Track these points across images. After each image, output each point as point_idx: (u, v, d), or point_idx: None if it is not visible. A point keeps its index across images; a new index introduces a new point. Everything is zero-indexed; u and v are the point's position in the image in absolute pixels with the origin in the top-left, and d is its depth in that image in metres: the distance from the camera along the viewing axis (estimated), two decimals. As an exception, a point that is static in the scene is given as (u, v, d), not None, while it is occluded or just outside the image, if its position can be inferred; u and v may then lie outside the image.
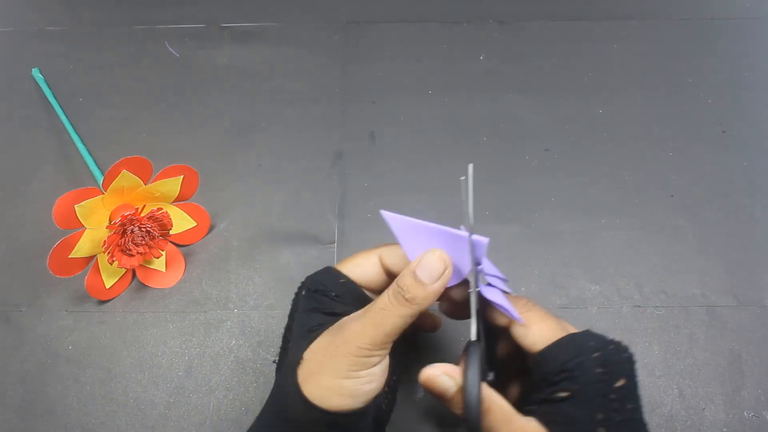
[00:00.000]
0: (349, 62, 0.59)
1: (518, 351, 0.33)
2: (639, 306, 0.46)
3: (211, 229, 0.50)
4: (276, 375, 0.34)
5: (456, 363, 0.31)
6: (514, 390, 0.35)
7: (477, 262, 0.31)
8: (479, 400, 0.28)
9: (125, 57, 0.60)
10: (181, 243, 0.49)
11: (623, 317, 0.46)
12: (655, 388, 0.43)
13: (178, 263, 0.48)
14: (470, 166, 0.29)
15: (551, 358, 0.29)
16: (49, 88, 0.57)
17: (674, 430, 0.42)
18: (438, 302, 0.34)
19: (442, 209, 0.50)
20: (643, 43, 0.60)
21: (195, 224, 0.49)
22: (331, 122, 0.56)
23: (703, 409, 0.42)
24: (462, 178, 0.30)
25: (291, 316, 0.35)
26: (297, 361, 0.30)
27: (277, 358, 0.34)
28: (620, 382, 0.28)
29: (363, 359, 0.29)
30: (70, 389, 0.44)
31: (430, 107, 0.57)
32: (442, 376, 0.30)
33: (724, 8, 0.63)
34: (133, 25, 0.62)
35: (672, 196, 0.51)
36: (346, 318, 0.31)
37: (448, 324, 0.40)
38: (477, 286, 0.31)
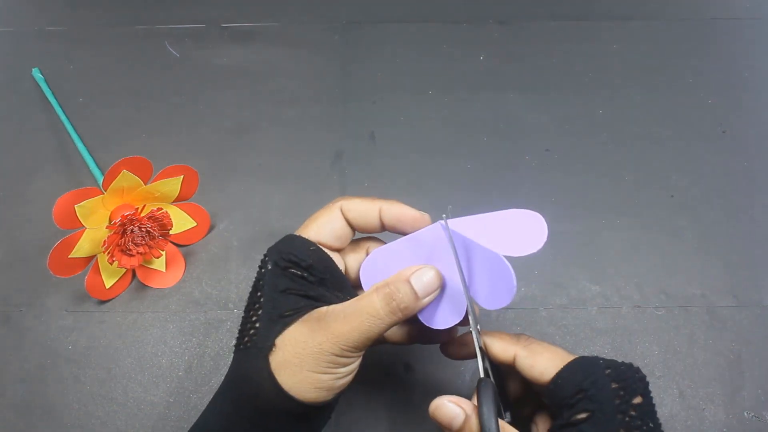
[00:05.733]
0: (349, 62, 0.59)
1: (531, 389, 0.32)
2: (639, 306, 0.46)
3: (211, 229, 0.50)
4: (235, 354, 0.32)
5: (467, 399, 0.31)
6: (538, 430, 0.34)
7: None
8: None
9: (125, 57, 0.60)
10: (181, 243, 0.49)
11: (623, 317, 0.46)
12: (655, 388, 0.43)
13: (178, 263, 0.48)
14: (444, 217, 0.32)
15: (564, 382, 0.29)
16: (49, 88, 0.57)
17: (674, 430, 0.42)
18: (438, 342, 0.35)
19: (441, 209, 0.50)
20: (643, 43, 0.60)
21: (195, 224, 0.49)
22: (331, 122, 0.56)
23: (703, 409, 0.42)
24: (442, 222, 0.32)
25: (255, 291, 0.33)
26: (269, 346, 0.30)
27: (237, 337, 0.33)
28: (638, 400, 0.28)
29: (344, 359, 0.30)
30: (70, 389, 0.44)
31: (430, 107, 0.57)
32: (449, 404, 0.29)
33: (724, 8, 0.63)
34: (133, 25, 0.62)
35: (672, 196, 0.51)
36: (327, 310, 0.30)
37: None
38: (477, 325, 0.31)
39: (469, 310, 0.31)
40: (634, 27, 0.61)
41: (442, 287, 0.32)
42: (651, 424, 0.28)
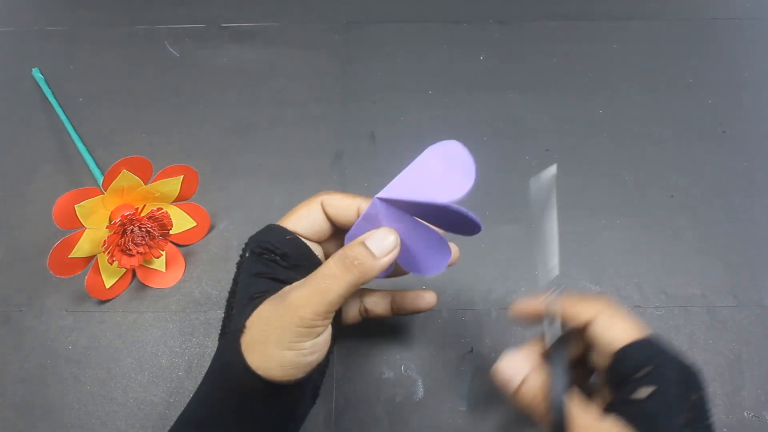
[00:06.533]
0: (350, 62, 0.59)
1: (583, 353, 0.33)
2: (639, 306, 0.46)
3: (211, 229, 0.50)
4: (219, 342, 0.33)
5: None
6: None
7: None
8: (565, 411, 0.28)
9: (125, 57, 0.60)
10: (181, 243, 0.49)
11: (623, 317, 0.46)
12: (655, 388, 0.43)
13: (178, 263, 0.48)
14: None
15: (633, 356, 0.29)
16: (49, 88, 0.57)
17: (674, 430, 0.42)
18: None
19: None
20: (643, 43, 0.60)
21: (195, 224, 0.49)
22: (331, 122, 0.56)
23: (703, 409, 0.42)
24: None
25: (235, 281, 0.34)
26: (240, 329, 0.30)
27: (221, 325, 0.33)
28: (697, 395, 0.28)
29: (307, 329, 0.29)
30: (70, 389, 0.44)
31: (430, 107, 0.57)
32: (508, 368, 0.31)
33: (724, 8, 0.63)
34: (133, 25, 0.62)
35: (672, 196, 0.51)
36: (290, 286, 0.31)
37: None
38: (557, 290, 0.32)
39: (547, 282, 0.32)
40: (634, 27, 0.61)
41: (420, 241, 0.32)
42: (708, 422, 0.28)
